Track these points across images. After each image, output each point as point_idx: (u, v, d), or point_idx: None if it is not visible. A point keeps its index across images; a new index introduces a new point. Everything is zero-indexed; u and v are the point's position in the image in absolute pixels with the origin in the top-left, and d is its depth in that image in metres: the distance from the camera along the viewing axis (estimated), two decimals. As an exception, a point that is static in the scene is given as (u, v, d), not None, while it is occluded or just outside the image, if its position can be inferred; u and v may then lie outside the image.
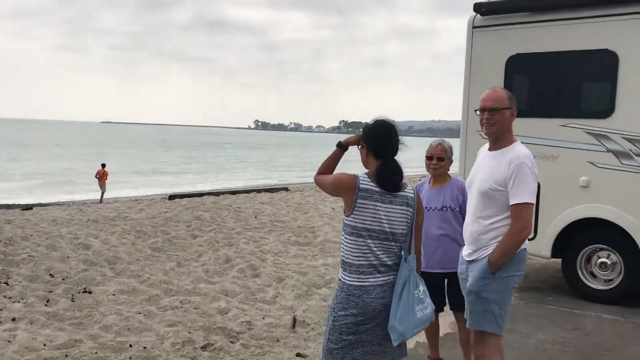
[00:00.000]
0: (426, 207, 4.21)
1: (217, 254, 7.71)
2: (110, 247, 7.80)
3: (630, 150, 6.10)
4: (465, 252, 3.54)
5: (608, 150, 6.24)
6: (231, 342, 4.87)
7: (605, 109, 6.28)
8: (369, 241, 2.77)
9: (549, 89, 6.84)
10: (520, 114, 6.90)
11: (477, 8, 7.10)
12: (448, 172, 4.28)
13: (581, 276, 6.55)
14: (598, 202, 6.32)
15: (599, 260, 6.47)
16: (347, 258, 2.80)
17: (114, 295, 5.87)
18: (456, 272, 4.06)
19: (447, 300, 4.34)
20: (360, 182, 2.76)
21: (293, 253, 8.04)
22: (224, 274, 6.84)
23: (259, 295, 6.14)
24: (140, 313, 5.36)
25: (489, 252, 3.30)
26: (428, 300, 2.91)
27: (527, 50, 6.81)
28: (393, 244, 2.80)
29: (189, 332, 4.94)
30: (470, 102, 7.23)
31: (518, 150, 3.33)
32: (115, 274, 6.63)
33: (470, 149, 6.98)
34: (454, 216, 4.13)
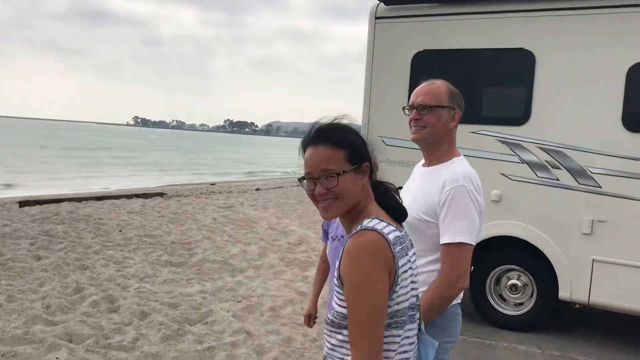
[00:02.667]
0: (342, 236, 3.19)
1: (65, 281, 6.21)
2: None
3: (546, 161, 5.49)
4: None
5: (523, 162, 5.60)
6: (68, 415, 3.56)
7: (521, 116, 5.64)
8: (410, 327, 1.72)
9: (459, 91, 6.12)
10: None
11: (381, -4, 6.25)
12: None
13: (490, 300, 5.90)
14: (511, 218, 5.68)
15: (509, 282, 5.84)
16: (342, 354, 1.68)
17: None
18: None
19: None
20: (386, 236, 1.65)
21: (163, 277, 6.72)
22: (71, 310, 5.40)
23: (114, 339, 4.81)
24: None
25: None
26: None
27: (436, 47, 6.04)
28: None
29: (8, 405, 3.56)
30: (372, 102, 6.37)
31: (458, 168, 2.39)
32: None
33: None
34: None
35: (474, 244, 2.31)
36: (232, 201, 14.38)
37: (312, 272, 7.50)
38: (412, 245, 1.77)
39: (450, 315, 2.38)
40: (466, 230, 2.27)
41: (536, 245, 5.57)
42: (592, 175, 5.28)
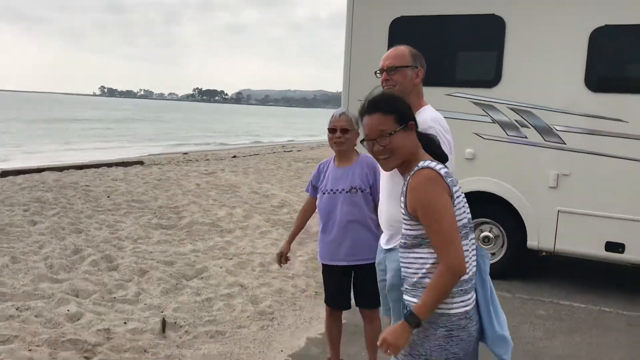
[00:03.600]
0: (332, 190, 3.56)
1: (63, 243, 6.49)
2: None
3: (515, 120, 5.91)
4: (382, 239, 2.94)
5: (494, 121, 6.01)
6: (86, 358, 3.92)
7: (492, 78, 6.01)
8: (469, 241, 2.19)
9: (434, 55, 6.42)
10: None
11: (361, -35, 6.52)
12: (355, 148, 3.64)
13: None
14: (483, 174, 6.11)
15: (482, 235, 6.30)
16: (431, 272, 2.12)
17: None
18: (364, 265, 3.50)
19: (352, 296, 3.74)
20: (440, 171, 2.12)
21: (156, 239, 7.04)
22: (73, 269, 5.71)
23: (118, 293, 5.16)
24: (-41, 329, 4.17)
25: None
26: None
27: (412, 13, 6.35)
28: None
29: (30, 350, 3.90)
30: (352, 67, 6.68)
31: (426, 114, 2.79)
32: None
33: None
34: (364, 199, 3.50)
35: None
36: (213, 168, 14.64)
37: (297, 231, 7.90)
38: (457, 181, 2.22)
39: None
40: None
41: (507, 199, 6.03)
42: (557, 132, 5.72)
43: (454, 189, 2.13)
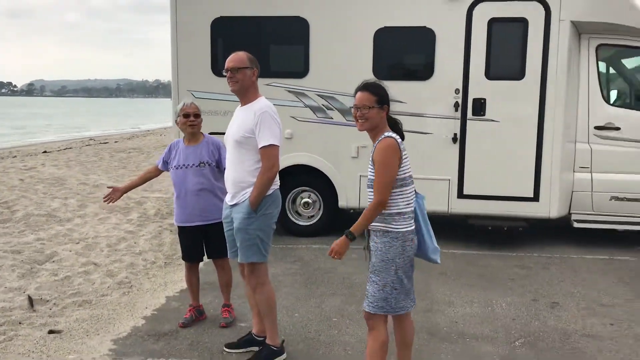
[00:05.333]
0: (184, 165, 4.40)
1: None
2: None
3: (323, 105, 7.18)
4: (228, 198, 3.90)
5: (305, 106, 7.22)
6: (-38, 336, 4.31)
7: (302, 70, 7.21)
8: (411, 187, 3.25)
9: (252, 51, 7.37)
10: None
11: (180, -31, 7.27)
12: (201, 131, 4.52)
13: (289, 216, 7.54)
14: (300, 151, 7.30)
15: (303, 201, 7.52)
16: (400, 209, 3.16)
17: None
18: (215, 223, 4.42)
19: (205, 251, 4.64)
20: (397, 140, 3.18)
21: (-6, 232, 7.17)
22: None
23: (-25, 282, 5.44)
24: None
25: (249, 195, 3.72)
26: None
27: (230, 14, 7.30)
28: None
29: None
30: (180, 62, 7.45)
31: (262, 102, 3.82)
32: None
33: (183, 109, 7.21)
34: (211, 171, 4.41)
35: (279, 145, 3.75)
36: (32, 163, 14.21)
37: (134, 215, 8.48)
38: (404, 147, 3.27)
39: (276, 194, 3.84)
40: (273, 137, 3.71)
41: (320, 170, 7.30)
42: (356, 113, 7.09)
43: (404, 153, 3.19)
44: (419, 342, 4.23)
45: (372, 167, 3.23)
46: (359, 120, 3.25)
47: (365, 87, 3.28)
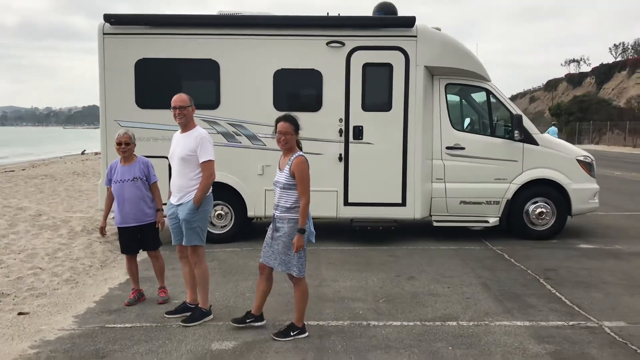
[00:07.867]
0: (121, 179, 5.74)
1: None
2: None
3: (233, 131, 8.68)
4: (173, 199, 5.33)
5: (218, 132, 8.69)
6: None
7: (214, 103, 8.69)
8: None
9: (171, 86, 8.83)
10: (148, 106, 9.35)
11: (107, 18, 8.61)
12: (134, 153, 5.87)
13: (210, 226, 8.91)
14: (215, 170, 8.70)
15: (216, 213, 8.92)
16: (296, 204, 4.70)
17: None
18: (147, 224, 5.79)
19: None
20: (306, 157, 4.78)
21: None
22: None
23: (-61, 283, 6.38)
24: None
25: (192, 196, 5.17)
26: None
27: (152, 56, 8.67)
28: None
29: None
30: (107, 96, 8.70)
31: (199, 130, 5.38)
32: None
33: (110, 136, 8.40)
34: (142, 184, 5.78)
35: (214, 160, 5.25)
36: (-54, 190, 14.52)
37: (63, 230, 9.49)
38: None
39: (210, 195, 5.37)
40: (210, 154, 5.24)
41: (232, 186, 8.75)
42: (260, 138, 8.65)
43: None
44: (311, 304, 5.78)
45: (287, 174, 4.72)
46: (281, 142, 4.75)
47: (285, 118, 4.78)
